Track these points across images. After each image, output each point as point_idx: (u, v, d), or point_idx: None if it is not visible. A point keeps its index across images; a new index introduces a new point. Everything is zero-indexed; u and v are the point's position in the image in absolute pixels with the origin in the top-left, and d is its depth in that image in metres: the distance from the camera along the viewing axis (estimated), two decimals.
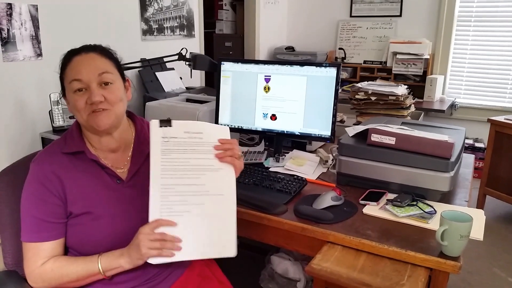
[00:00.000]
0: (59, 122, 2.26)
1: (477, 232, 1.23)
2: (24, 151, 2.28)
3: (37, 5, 2.32)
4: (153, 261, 1.07)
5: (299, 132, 1.79)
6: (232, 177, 1.15)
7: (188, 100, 2.18)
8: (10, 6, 2.19)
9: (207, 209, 1.11)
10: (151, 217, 1.08)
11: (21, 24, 2.26)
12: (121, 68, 1.21)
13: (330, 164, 1.77)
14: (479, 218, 1.31)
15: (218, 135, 1.15)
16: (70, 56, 1.14)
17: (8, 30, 2.19)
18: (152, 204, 1.08)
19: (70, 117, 2.31)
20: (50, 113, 2.25)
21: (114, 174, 1.17)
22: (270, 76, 1.79)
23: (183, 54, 2.32)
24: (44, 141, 2.32)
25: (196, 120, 1.87)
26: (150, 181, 1.09)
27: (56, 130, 2.27)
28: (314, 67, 1.73)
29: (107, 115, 1.12)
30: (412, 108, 2.33)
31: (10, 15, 2.20)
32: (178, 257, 1.08)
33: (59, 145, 1.16)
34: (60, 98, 1.22)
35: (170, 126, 1.11)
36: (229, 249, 1.12)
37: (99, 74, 1.12)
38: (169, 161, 1.10)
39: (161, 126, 1.11)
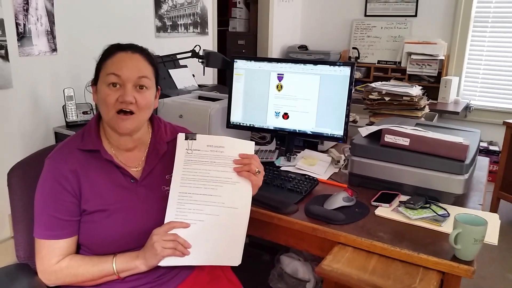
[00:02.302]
0: (73, 117, 2.28)
1: (492, 236, 1.21)
2: (38, 146, 2.31)
3: (53, 0, 2.34)
4: (163, 263, 1.11)
5: (311, 132, 1.78)
6: (248, 192, 1.17)
7: (200, 97, 2.17)
8: (26, 1, 2.21)
9: (220, 220, 1.15)
10: (166, 221, 1.14)
11: (37, 19, 2.28)
12: (158, 76, 1.22)
13: (342, 165, 1.76)
14: (493, 222, 1.28)
15: (240, 149, 1.18)
16: (114, 50, 1.15)
17: (24, 25, 2.21)
18: (169, 209, 1.15)
19: (84, 113, 2.32)
20: (64, 108, 2.27)
21: (128, 174, 1.17)
22: (283, 74, 1.78)
23: (197, 51, 2.32)
24: (58, 136, 2.34)
25: (208, 117, 1.86)
26: (170, 188, 1.16)
27: (69, 125, 2.29)
28: (328, 66, 1.71)
29: (132, 121, 1.13)
30: (427, 109, 2.30)
31: (27, 10, 2.22)
32: (186, 261, 1.13)
33: (75, 141, 1.16)
34: (88, 86, 1.22)
35: (195, 139, 1.19)
36: (234, 259, 1.16)
37: (138, 77, 1.13)
38: (190, 171, 1.17)
39: (186, 139, 1.19)
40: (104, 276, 1.11)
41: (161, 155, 1.23)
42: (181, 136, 1.19)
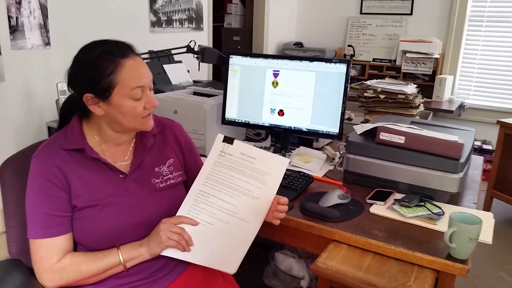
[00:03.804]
0: None
1: (486, 235, 1.21)
2: (30, 140, 2.28)
3: None
4: (165, 252, 1.13)
5: (307, 129, 1.77)
6: (264, 211, 1.18)
7: (195, 93, 2.16)
8: None
9: (228, 229, 1.16)
10: (178, 214, 1.16)
11: (30, 13, 2.25)
12: None
13: (337, 162, 1.76)
14: (488, 221, 1.29)
15: (272, 165, 1.18)
16: (114, 58, 1.07)
17: (17, 18, 2.19)
18: (184, 203, 1.16)
19: None
20: (57, 102, 2.25)
21: (116, 169, 1.16)
22: (278, 71, 1.77)
23: (192, 46, 2.31)
24: (50, 130, 2.32)
25: (203, 113, 1.85)
26: (193, 183, 1.18)
27: None
28: (324, 63, 1.71)
29: (151, 117, 1.17)
30: (421, 108, 2.31)
31: (19, 3, 2.19)
32: (184, 257, 1.14)
33: (58, 141, 1.13)
34: (90, 104, 1.10)
35: (231, 144, 1.20)
36: (231, 267, 1.16)
37: (151, 80, 1.14)
38: (216, 172, 1.18)
39: (223, 141, 1.20)
40: (109, 268, 1.10)
41: (148, 148, 1.22)
42: (219, 137, 1.20)
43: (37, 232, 1.07)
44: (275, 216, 1.19)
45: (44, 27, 2.33)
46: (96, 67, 1.06)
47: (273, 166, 1.18)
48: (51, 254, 1.07)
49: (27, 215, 1.09)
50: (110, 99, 1.08)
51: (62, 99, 2.23)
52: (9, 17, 2.15)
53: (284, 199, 1.20)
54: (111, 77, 1.06)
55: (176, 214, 1.16)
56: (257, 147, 1.88)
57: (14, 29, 2.18)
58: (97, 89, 1.07)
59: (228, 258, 1.16)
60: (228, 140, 1.19)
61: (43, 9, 2.31)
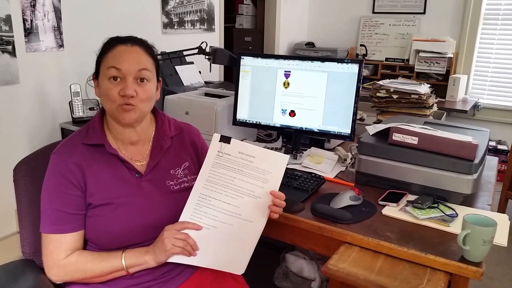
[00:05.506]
0: (79, 113, 2.28)
1: (501, 237, 1.19)
2: (44, 141, 2.31)
3: None
4: (172, 259, 1.12)
5: (318, 129, 1.76)
6: (267, 209, 1.17)
7: (206, 94, 2.17)
8: None
9: (233, 231, 1.15)
10: (181, 219, 1.15)
11: (44, 15, 2.28)
12: (158, 67, 1.22)
13: (349, 163, 1.74)
14: (502, 223, 1.27)
15: (272, 163, 1.16)
16: (114, 43, 1.14)
17: (31, 21, 2.22)
18: (186, 208, 1.15)
19: (90, 109, 2.32)
20: (70, 104, 2.27)
21: (133, 168, 1.17)
22: (290, 71, 1.76)
23: (203, 47, 2.31)
24: (64, 131, 2.35)
25: (214, 114, 1.85)
26: (193, 186, 1.16)
27: (75, 121, 2.30)
28: (336, 63, 1.70)
29: (134, 112, 1.13)
30: (435, 108, 2.28)
31: (34, 6, 2.22)
32: (191, 261, 1.15)
33: (80, 136, 1.16)
34: (90, 80, 1.22)
35: (228, 143, 1.16)
36: (239, 268, 1.17)
37: (139, 70, 1.12)
38: (216, 174, 1.16)
39: (220, 141, 1.16)
40: (113, 271, 1.11)
41: (165, 149, 1.23)
42: (216, 137, 1.17)
43: (48, 227, 1.10)
44: (272, 210, 1.17)
45: (58, 30, 2.36)
46: (101, 48, 1.17)
47: (273, 164, 1.16)
48: (59, 250, 1.09)
49: (41, 208, 1.11)
50: (99, 78, 1.15)
51: (75, 100, 2.26)
52: (24, 20, 2.18)
53: (281, 194, 1.17)
54: (102, 57, 1.14)
55: (179, 220, 1.14)
56: (268, 148, 1.89)
57: (29, 32, 2.21)
58: (96, 67, 1.17)
59: (235, 260, 1.16)
60: (225, 139, 1.17)
61: (57, 12, 2.34)
